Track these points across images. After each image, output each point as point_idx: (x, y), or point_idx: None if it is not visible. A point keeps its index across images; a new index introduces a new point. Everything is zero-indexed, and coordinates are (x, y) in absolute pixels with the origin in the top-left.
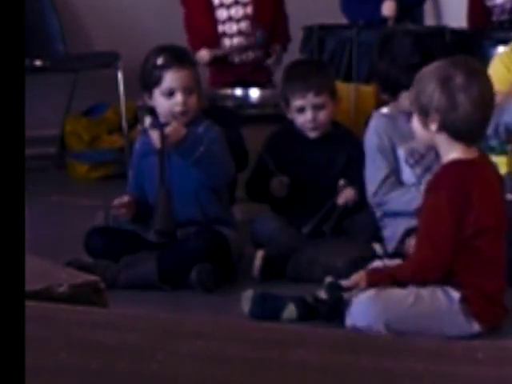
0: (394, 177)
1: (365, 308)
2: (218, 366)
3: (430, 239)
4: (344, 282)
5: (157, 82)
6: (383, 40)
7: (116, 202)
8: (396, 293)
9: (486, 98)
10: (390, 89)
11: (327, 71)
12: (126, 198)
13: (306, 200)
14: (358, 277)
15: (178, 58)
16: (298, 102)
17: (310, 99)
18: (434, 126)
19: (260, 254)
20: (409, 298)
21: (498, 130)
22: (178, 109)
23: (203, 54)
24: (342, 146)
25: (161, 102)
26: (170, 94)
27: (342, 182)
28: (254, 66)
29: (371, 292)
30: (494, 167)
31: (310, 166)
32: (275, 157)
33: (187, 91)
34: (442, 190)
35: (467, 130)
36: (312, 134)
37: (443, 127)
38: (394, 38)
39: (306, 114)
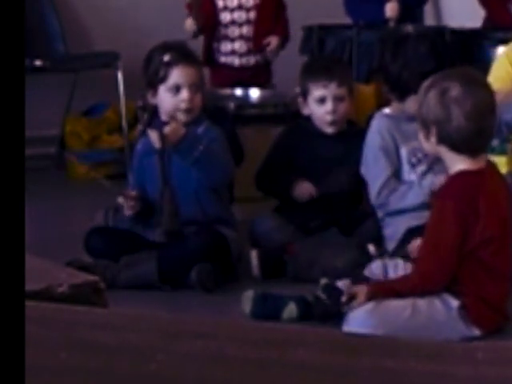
0: (396, 177)
1: (362, 321)
2: (217, 366)
3: (435, 251)
4: (340, 283)
5: (163, 78)
6: (397, 42)
7: (125, 192)
8: (393, 306)
9: (480, 109)
10: (399, 91)
11: (348, 68)
12: (133, 193)
13: (317, 197)
14: (359, 290)
15: (186, 55)
16: (319, 92)
17: (333, 89)
18: (433, 138)
19: (254, 253)
20: (406, 311)
21: (500, 129)
22: (183, 105)
23: (189, 23)
24: (357, 145)
25: (166, 98)
26: (177, 90)
27: None
28: (254, 71)
29: (368, 305)
30: (501, 177)
31: (323, 163)
32: (288, 152)
33: (193, 88)
34: (448, 200)
35: (463, 142)
36: (329, 130)
37: (441, 139)
38: (409, 42)
39: (326, 104)
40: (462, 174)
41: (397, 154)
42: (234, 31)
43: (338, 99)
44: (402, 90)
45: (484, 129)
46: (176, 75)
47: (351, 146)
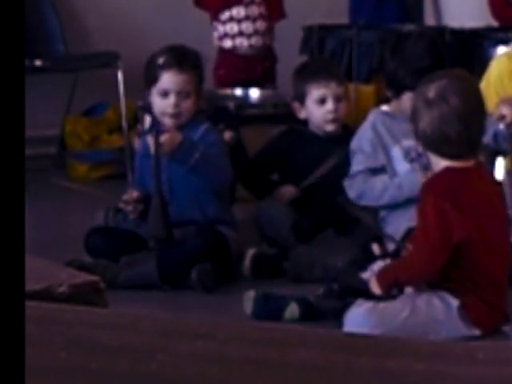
0: (378, 173)
1: (360, 322)
2: (217, 366)
3: (415, 240)
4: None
5: (155, 80)
6: (397, 39)
7: (125, 197)
8: (392, 305)
9: (447, 118)
10: (395, 88)
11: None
12: (135, 194)
13: (312, 200)
14: (371, 285)
15: (179, 60)
16: (319, 92)
17: (333, 89)
18: (415, 136)
19: (250, 252)
20: (405, 310)
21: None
22: (169, 110)
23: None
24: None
25: (156, 101)
26: (165, 94)
27: None
28: (262, 55)
29: (366, 305)
30: (491, 178)
31: (317, 166)
32: (281, 155)
33: (182, 95)
34: (430, 193)
35: (431, 146)
36: (330, 128)
37: (416, 138)
38: (409, 39)
39: (327, 104)
40: (446, 171)
41: (387, 152)
42: (243, 43)
43: (337, 99)
44: (398, 86)
45: (450, 136)
46: (165, 80)
47: (345, 149)
